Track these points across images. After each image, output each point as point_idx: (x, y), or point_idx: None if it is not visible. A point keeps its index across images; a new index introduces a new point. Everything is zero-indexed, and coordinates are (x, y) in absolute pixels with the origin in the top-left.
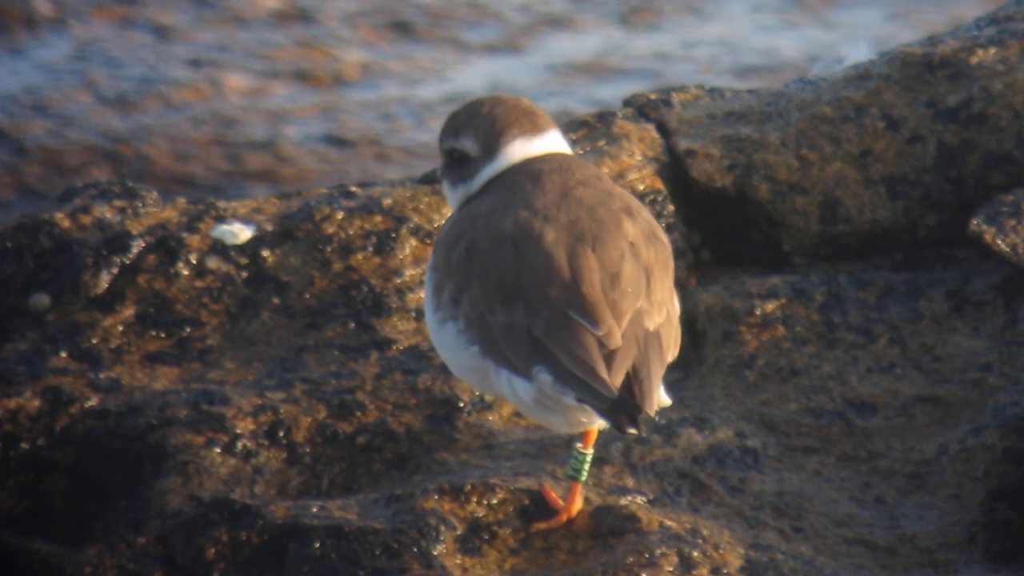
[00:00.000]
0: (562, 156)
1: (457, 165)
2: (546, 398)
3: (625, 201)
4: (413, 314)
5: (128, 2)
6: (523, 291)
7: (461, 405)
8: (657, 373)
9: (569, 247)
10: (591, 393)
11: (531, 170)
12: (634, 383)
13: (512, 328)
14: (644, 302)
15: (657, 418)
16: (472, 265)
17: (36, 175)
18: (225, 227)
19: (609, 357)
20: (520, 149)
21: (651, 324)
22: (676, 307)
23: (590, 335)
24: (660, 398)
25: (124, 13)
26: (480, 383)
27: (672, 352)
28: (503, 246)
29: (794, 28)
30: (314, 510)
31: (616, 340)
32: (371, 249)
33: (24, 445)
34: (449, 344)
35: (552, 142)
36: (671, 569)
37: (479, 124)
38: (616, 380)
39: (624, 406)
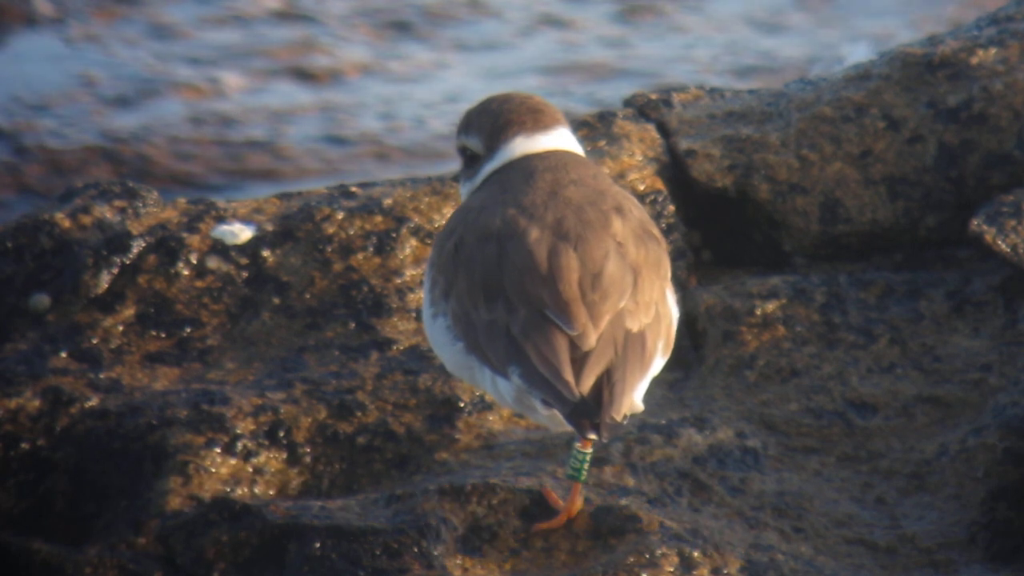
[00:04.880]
0: (561, 154)
1: (468, 163)
2: (524, 397)
3: (618, 200)
4: (413, 314)
5: (127, 1)
6: (504, 289)
7: (461, 405)
8: (634, 376)
9: (551, 246)
10: (555, 396)
11: (525, 167)
12: (604, 387)
13: (493, 326)
14: (629, 302)
15: (625, 423)
16: (459, 261)
17: (36, 175)
18: (225, 227)
19: (581, 360)
20: (520, 146)
21: (635, 325)
22: (670, 307)
23: (562, 336)
24: (633, 403)
25: (123, 12)
26: (470, 379)
27: (665, 350)
28: (488, 243)
29: (794, 28)
30: (314, 510)
31: (590, 342)
32: (371, 249)
33: (24, 445)
34: (439, 340)
35: (556, 139)
36: (671, 569)
37: (484, 122)
38: (585, 383)
39: (585, 411)
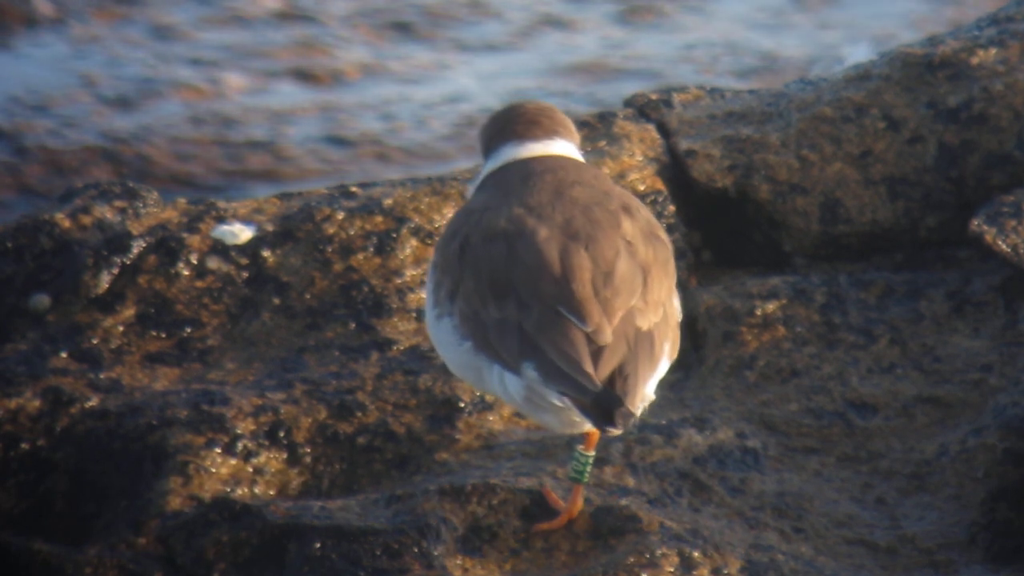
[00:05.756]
0: (559, 158)
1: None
2: (535, 395)
3: (625, 201)
4: (414, 314)
5: (128, 2)
6: (515, 287)
7: (462, 405)
8: (645, 371)
9: (562, 245)
10: (575, 387)
11: (522, 169)
12: (618, 379)
13: (504, 324)
14: (639, 301)
15: (639, 415)
16: (466, 261)
17: (36, 175)
18: (225, 227)
19: (597, 353)
20: (511, 152)
21: (645, 323)
22: (676, 307)
23: (579, 331)
24: (646, 396)
25: (124, 13)
26: (476, 380)
27: (671, 352)
28: (496, 242)
29: (794, 28)
30: (314, 511)
31: (606, 337)
32: (372, 249)
33: (24, 445)
34: (445, 340)
35: (551, 147)
36: (672, 569)
37: (487, 126)
38: (602, 376)
39: (606, 400)
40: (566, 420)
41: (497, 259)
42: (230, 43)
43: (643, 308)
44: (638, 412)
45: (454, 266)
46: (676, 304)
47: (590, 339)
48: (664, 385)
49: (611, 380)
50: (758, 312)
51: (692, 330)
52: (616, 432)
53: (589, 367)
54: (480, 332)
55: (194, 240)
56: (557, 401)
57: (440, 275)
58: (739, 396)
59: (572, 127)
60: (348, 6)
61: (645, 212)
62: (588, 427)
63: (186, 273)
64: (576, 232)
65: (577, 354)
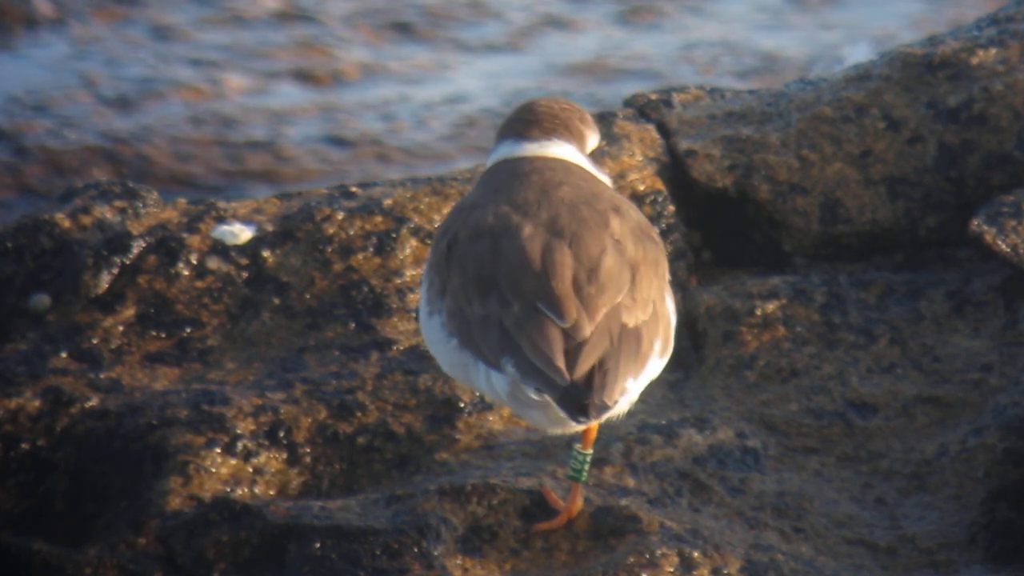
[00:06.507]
0: (550, 159)
1: None
2: (518, 390)
3: (615, 202)
4: (414, 314)
5: (128, 2)
6: (498, 284)
7: (461, 405)
8: (627, 367)
9: (545, 242)
10: (545, 382)
11: (511, 168)
12: (596, 373)
13: (486, 320)
14: (626, 298)
15: (618, 409)
16: (453, 258)
17: (36, 175)
18: (225, 227)
19: (575, 349)
20: (506, 150)
21: (631, 320)
22: (669, 306)
23: (555, 327)
24: (625, 390)
25: (124, 13)
26: (464, 377)
27: (661, 353)
28: (481, 239)
29: (794, 28)
30: (314, 511)
31: (584, 332)
32: (371, 249)
33: (24, 445)
34: (434, 338)
35: (551, 149)
36: (672, 570)
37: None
38: (579, 371)
39: (576, 395)
40: (552, 417)
41: (482, 256)
42: (230, 43)
43: (630, 305)
44: (615, 405)
45: (443, 264)
46: (669, 304)
47: (568, 335)
48: (664, 385)
49: (590, 375)
50: (758, 312)
51: (692, 330)
52: (591, 423)
53: (560, 362)
54: (464, 329)
55: (194, 240)
56: (535, 396)
57: (432, 273)
58: (739, 396)
59: (580, 128)
60: (348, 6)
61: (636, 214)
62: (575, 424)
63: (186, 273)
64: (560, 230)
65: (550, 350)
